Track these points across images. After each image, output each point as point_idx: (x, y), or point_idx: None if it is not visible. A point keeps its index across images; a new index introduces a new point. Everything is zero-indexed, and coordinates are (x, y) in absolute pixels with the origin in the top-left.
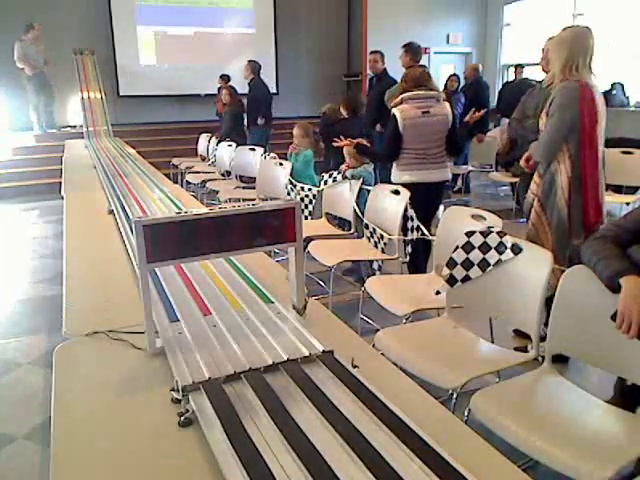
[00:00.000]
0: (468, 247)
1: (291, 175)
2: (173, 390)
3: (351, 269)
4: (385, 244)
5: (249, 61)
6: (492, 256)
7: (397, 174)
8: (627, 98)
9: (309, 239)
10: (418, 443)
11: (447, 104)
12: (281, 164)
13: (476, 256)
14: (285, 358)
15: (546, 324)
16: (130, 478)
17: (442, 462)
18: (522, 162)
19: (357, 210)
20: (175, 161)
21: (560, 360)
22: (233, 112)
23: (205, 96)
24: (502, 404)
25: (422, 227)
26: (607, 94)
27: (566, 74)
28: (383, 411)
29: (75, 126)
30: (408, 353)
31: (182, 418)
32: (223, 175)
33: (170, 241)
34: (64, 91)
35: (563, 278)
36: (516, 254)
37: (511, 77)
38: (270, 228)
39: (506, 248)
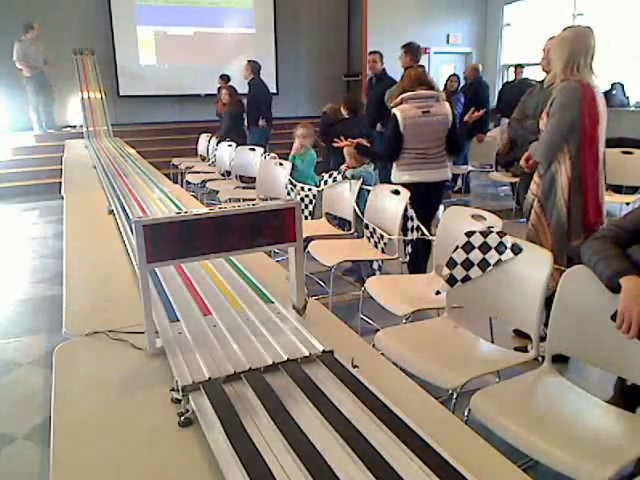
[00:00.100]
0: (468, 247)
1: (292, 175)
2: (173, 390)
3: (351, 269)
4: (385, 244)
5: (249, 61)
6: (492, 256)
7: (397, 174)
8: (627, 98)
9: (309, 239)
10: (418, 443)
11: (447, 104)
12: (281, 164)
13: (476, 256)
14: (285, 358)
15: (546, 324)
16: (130, 478)
17: (442, 462)
18: (522, 162)
19: (357, 210)
20: (175, 161)
21: (560, 360)
22: (232, 112)
23: (205, 96)
24: (502, 404)
25: (422, 227)
26: (607, 94)
27: (567, 74)
28: (383, 411)
29: (75, 126)
30: (408, 353)
31: (182, 418)
32: (223, 175)
33: (170, 241)
34: (64, 91)
35: (563, 278)
36: (516, 254)
37: (511, 77)
38: (270, 228)
39: (506, 248)
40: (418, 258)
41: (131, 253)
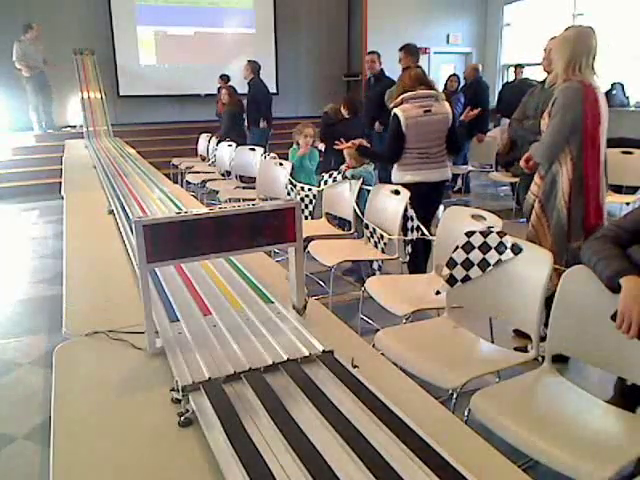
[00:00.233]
0: (468, 247)
1: (297, 176)
2: (173, 390)
3: (351, 269)
4: (385, 244)
5: (249, 61)
6: (492, 256)
7: (399, 174)
8: (627, 98)
9: (309, 239)
10: (418, 443)
11: (446, 103)
12: (281, 164)
13: (476, 256)
14: (285, 358)
15: (546, 324)
16: (130, 478)
17: (442, 462)
18: (522, 163)
19: (357, 210)
20: (175, 161)
21: (560, 360)
22: (232, 112)
23: (205, 96)
24: (502, 404)
25: (422, 227)
26: (607, 94)
27: (569, 74)
28: (383, 411)
29: (75, 126)
30: (408, 353)
31: (182, 418)
32: (223, 175)
33: (170, 241)
34: (64, 91)
35: (563, 278)
36: (516, 254)
37: (511, 77)
38: (270, 228)
39: (506, 248)
40: (418, 258)
41: (131, 253)
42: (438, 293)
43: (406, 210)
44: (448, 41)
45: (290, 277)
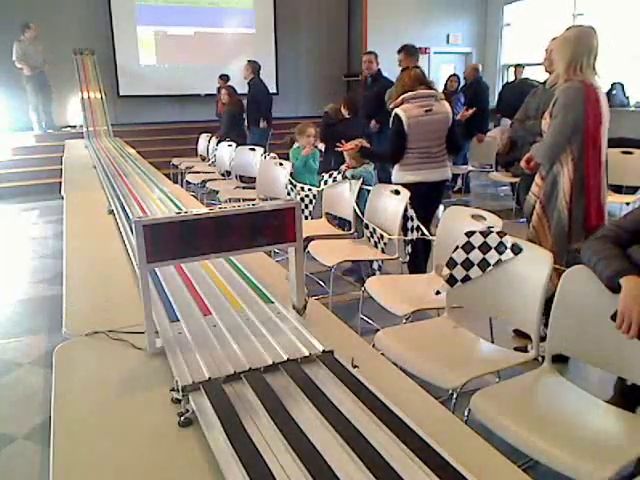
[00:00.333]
0: (468, 247)
1: (294, 176)
2: (173, 390)
3: (351, 269)
4: (385, 244)
5: (249, 61)
6: (492, 256)
7: (400, 174)
8: (627, 98)
9: (309, 239)
10: (418, 443)
11: (446, 102)
12: (281, 164)
13: (476, 256)
14: (285, 358)
15: (546, 324)
16: (130, 478)
17: (442, 462)
18: (522, 163)
19: (357, 210)
20: (175, 161)
21: (560, 360)
22: (232, 112)
23: (205, 96)
24: (502, 404)
25: (422, 227)
26: (607, 94)
27: (570, 74)
28: (383, 411)
29: (75, 126)
30: (408, 353)
31: (182, 418)
32: (223, 175)
33: (170, 241)
34: (64, 91)
35: (563, 278)
36: (516, 254)
37: (511, 77)
38: (270, 228)
39: (506, 248)
40: (418, 258)
41: (131, 253)
42: (438, 293)
43: (406, 210)
44: (448, 41)
45: (290, 277)
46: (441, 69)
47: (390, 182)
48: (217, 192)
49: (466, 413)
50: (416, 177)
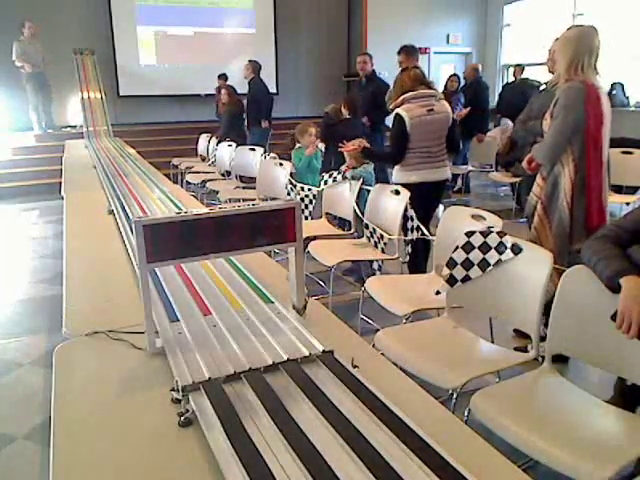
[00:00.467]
0: (468, 247)
1: (295, 177)
2: (173, 390)
3: (351, 269)
4: (385, 244)
5: (250, 61)
6: (492, 256)
7: (402, 174)
8: (627, 98)
9: (309, 239)
10: (418, 443)
11: (446, 102)
12: (281, 164)
13: (476, 256)
14: (285, 358)
15: (546, 324)
16: (130, 478)
17: (442, 462)
18: (524, 164)
19: (357, 210)
20: (175, 161)
21: (560, 360)
22: (231, 112)
23: (205, 96)
24: (502, 404)
25: (422, 227)
26: (607, 94)
27: (571, 74)
28: (383, 411)
29: (75, 126)
30: (408, 353)
31: (182, 418)
32: (223, 175)
33: (170, 241)
34: (64, 91)
35: (563, 278)
36: (516, 254)
37: (511, 78)
38: (270, 228)
39: (506, 248)
40: (418, 258)
41: (131, 253)
42: (438, 293)
43: (406, 210)
44: (448, 41)
45: (290, 277)
46: (441, 69)
47: (387, 182)
48: (217, 192)
49: (466, 413)
50: (417, 177)
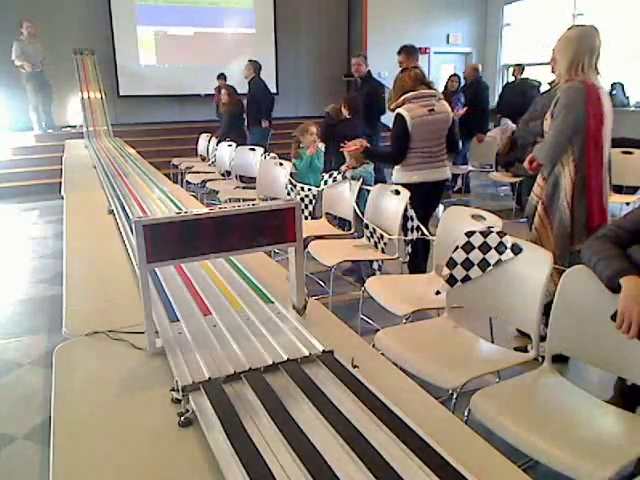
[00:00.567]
0: (468, 247)
1: (295, 177)
2: (173, 390)
3: (351, 269)
4: (385, 244)
5: (250, 60)
6: (492, 256)
7: (403, 174)
8: (627, 98)
9: (309, 239)
10: (418, 443)
11: (445, 102)
12: (281, 164)
13: (476, 256)
14: (285, 358)
15: (546, 324)
16: (130, 478)
17: (442, 462)
18: (526, 164)
19: (357, 210)
20: (175, 161)
21: (560, 360)
22: (231, 112)
23: (205, 96)
24: (502, 404)
25: (422, 227)
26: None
27: (572, 74)
28: (383, 411)
29: (75, 126)
30: (408, 353)
31: (182, 418)
32: (223, 175)
33: (170, 241)
34: (64, 91)
35: (563, 278)
36: (516, 254)
37: (511, 78)
38: (270, 228)
39: (506, 248)
40: (418, 258)
41: (131, 253)
42: (438, 293)
43: (406, 210)
44: (448, 41)
45: (290, 277)
46: (441, 69)
47: (385, 183)
48: (217, 192)
49: (466, 413)
50: (418, 177)
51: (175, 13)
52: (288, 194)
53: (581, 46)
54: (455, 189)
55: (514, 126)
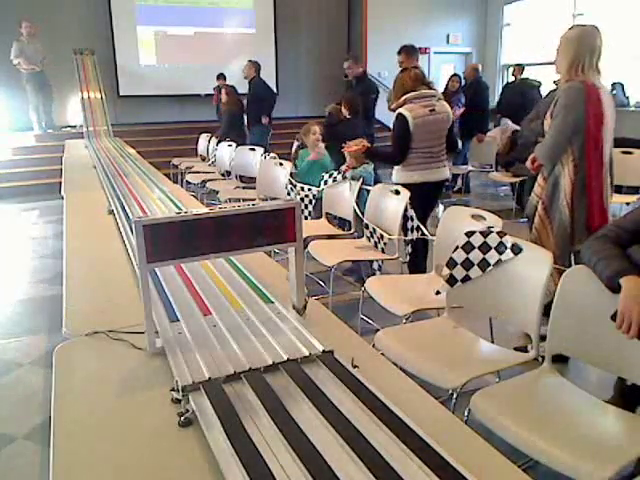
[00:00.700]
0: (468, 247)
1: (292, 176)
2: (173, 390)
3: (351, 269)
4: (385, 244)
5: (250, 61)
6: (492, 256)
7: (403, 174)
8: (627, 98)
9: (309, 239)
10: (418, 443)
11: (445, 102)
12: (281, 164)
13: (476, 256)
14: (285, 358)
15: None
16: (130, 478)
17: (442, 462)
18: (528, 164)
19: (357, 210)
20: (175, 161)
21: (560, 360)
22: (231, 112)
23: (205, 96)
24: (502, 404)
25: (422, 227)
26: None
27: (572, 74)
28: (383, 411)
29: (75, 126)
30: (408, 353)
31: (182, 418)
32: (223, 175)
33: (170, 241)
34: (64, 91)
35: (563, 278)
36: (516, 254)
37: (511, 78)
38: (270, 228)
39: (506, 248)
40: (418, 258)
41: (131, 253)
42: (438, 293)
43: (406, 210)
44: (448, 41)
45: (290, 277)
46: (441, 69)
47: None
48: (217, 192)
49: (466, 413)
50: (419, 177)
51: (175, 13)
52: (288, 194)
53: (581, 46)
54: (455, 189)
55: (514, 126)
